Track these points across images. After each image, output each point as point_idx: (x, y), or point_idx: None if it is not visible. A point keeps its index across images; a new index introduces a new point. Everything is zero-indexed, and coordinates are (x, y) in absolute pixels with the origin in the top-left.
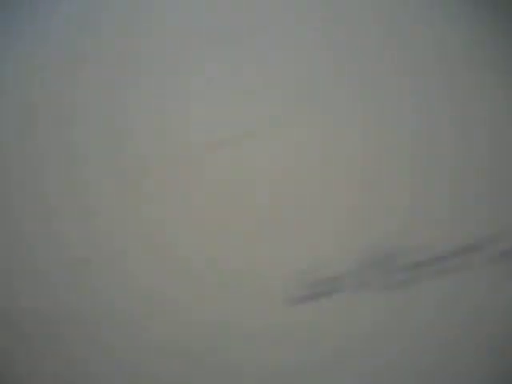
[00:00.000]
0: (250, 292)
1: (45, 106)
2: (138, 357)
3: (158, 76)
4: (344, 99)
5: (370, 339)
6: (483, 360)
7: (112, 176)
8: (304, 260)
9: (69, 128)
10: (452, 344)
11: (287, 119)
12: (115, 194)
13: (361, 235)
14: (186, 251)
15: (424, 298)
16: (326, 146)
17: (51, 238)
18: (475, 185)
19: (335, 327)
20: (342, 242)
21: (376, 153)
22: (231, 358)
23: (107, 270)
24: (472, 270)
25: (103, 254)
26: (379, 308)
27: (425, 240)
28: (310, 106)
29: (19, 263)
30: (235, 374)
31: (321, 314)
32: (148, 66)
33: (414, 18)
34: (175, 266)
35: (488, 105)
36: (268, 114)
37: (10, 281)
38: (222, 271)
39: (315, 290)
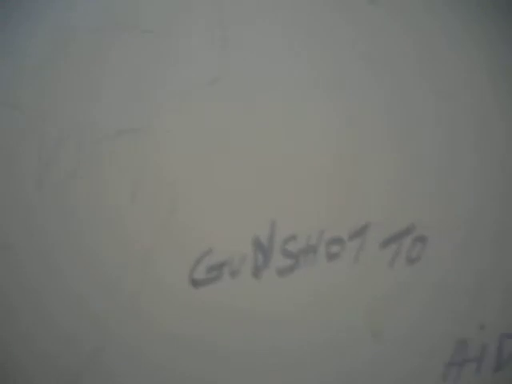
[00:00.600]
0: (154, 274)
1: None
2: None
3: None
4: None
5: (264, 320)
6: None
7: None
8: (200, 245)
9: None
10: (335, 329)
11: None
12: None
13: (250, 220)
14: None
15: (314, 282)
16: None
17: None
18: (362, 170)
19: (231, 310)
20: (233, 226)
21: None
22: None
23: None
24: (360, 255)
25: None
26: (270, 291)
27: (314, 225)
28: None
29: None
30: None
31: (219, 297)
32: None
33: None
34: None
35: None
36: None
37: None
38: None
39: (212, 274)
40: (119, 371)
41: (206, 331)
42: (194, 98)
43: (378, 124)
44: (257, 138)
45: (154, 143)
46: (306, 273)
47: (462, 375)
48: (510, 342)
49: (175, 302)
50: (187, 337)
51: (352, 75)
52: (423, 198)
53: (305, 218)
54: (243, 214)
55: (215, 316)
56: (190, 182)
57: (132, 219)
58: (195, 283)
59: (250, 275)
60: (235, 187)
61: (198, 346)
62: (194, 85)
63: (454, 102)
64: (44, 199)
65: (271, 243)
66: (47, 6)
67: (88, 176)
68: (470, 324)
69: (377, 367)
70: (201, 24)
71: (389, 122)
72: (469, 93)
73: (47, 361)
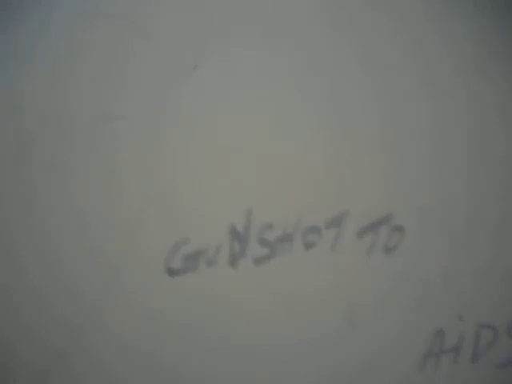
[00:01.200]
0: (131, 263)
1: None
2: None
3: None
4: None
5: (240, 309)
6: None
7: None
8: (176, 234)
9: None
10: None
11: None
12: None
13: (227, 209)
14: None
15: (290, 271)
16: None
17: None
18: (340, 160)
19: (207, 299)
20: (210, 215)
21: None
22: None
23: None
24: (337, 244)
25: None
26: (247, 280)
27: (290, 213)
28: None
29: None
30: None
31: (195, 286)
32: None
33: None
34: None
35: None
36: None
37: None
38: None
39: (188, 264)
40: (97, 354)
41: (182, 320)
42: (171, 85)
43: (357, 113)
44: (234, 126)
45: (131, 131)
46: (283, 261)
47: (440, 365)
48: (488, 331)
49: (151, 291)
50: (163, 325)
51: (324, 56)
52: (401, 188)
53: (281, 206)
54: (219, 202)
55: (191, 305)
56: (165, 170)
57: (106, 209)
58: (171, 272)
59: (226, 264)
60: (211, 175)
61: (174, 334)
62: (173, 71)
63: (431, 90)
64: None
65: (248, 232)
66: None
67: (63, 164)
68: (448, 314)
69: (353, 356)
70: (182, 10)
71: (369, 112)
72: (447, 81)
73: (15, 359)
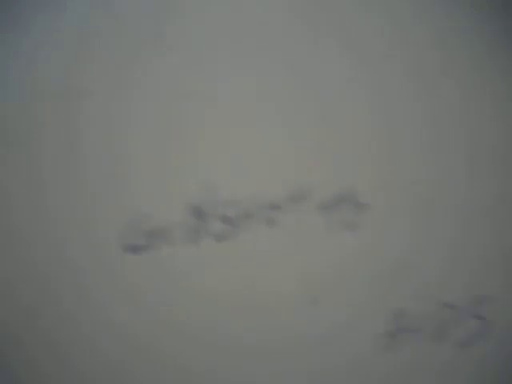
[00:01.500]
0: (86, 240)
1: None
2: None
3: None
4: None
5: (201, 287)
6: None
7: None
8: (136, 211)
9: None
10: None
11: None
12: None
13: (188, 186)
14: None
15: (252, 248)
16: None
17: None
18: (300, 134)
19: (168, 277)
20: (170, 192)
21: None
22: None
23: None
24: (298, 221)
25: None
26: (209, 258)
27: (252, 190)
28: None
29: None
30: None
31: (155, 263)
32: None
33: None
34: None
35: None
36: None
37: None
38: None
39: (148, 241)
40: (50, 335)
41: (141, 297)
42: (134, 60)
43: (312, 88)
44: (196, 97)
45: (92, 105)
46: (245, 239)
47: (401, 344)
48: (451, 311)
49: (110, 269)
50: (122, 303)
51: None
52: (364, 164)
53: (243, 183)
54: (180, 179)
55: (152, 283)
56: (124, 145)
57: (65, 185)
58: (131, 250)
59: (187, 241)
60: (171, 151)
61: (136, 311)
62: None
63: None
64: None
65: (208, 209)
66: None
67: (27, 138)
68: (410, 293)
69: (314, 333)
70: None
71: (327, 85)
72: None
73: None
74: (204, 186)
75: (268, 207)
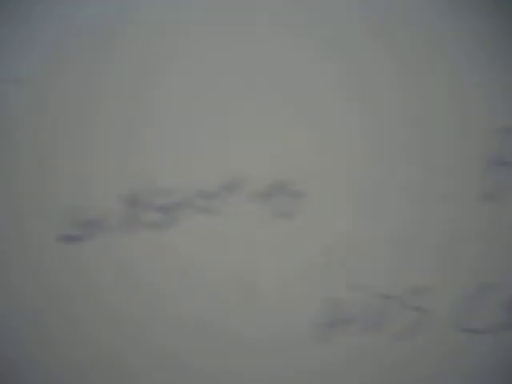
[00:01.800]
0: (21, 232)
1: None
2: None
3: None
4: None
5: (137, 276)
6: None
7: None
8: (71, 198)
9: None
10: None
11: None
12: None
13: (123, 174)
14: None
15: (189, 237)
16: None
17: None
18: (237, 120)
19: (103, 267)
20: (105, 181)
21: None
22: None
23: None
24: (233, 209)
25: None
26: (144, 247)
27: (186, 178)
28: None
29: None
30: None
31: (91, 253)
32: None
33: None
34: None
35: None
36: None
37: None
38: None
39: (83, 230)
40: None
41: (78, 288)
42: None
43: (250, 76)
44: (122, 82)
45: (33, 93)
46: (181, 227)
47: (338, 336)
48: (390, 302)
49: (45, 260)
50: (59, 294)
51: None
52: (301, 151)
53: (178, 171)
54: (114, 167)
55: (87, 273)
56: (60, 132)
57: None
58: (66, 239)
59: (122, 230)
60: (105, 139)
61: (74, 302)
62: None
63: None
64: None
65: (143, 197)
66: None
67: None
68: (348, 283)
69: (252, 325)
70: None
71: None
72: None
73: None
74: (139, 175)
75: (205, 196)
